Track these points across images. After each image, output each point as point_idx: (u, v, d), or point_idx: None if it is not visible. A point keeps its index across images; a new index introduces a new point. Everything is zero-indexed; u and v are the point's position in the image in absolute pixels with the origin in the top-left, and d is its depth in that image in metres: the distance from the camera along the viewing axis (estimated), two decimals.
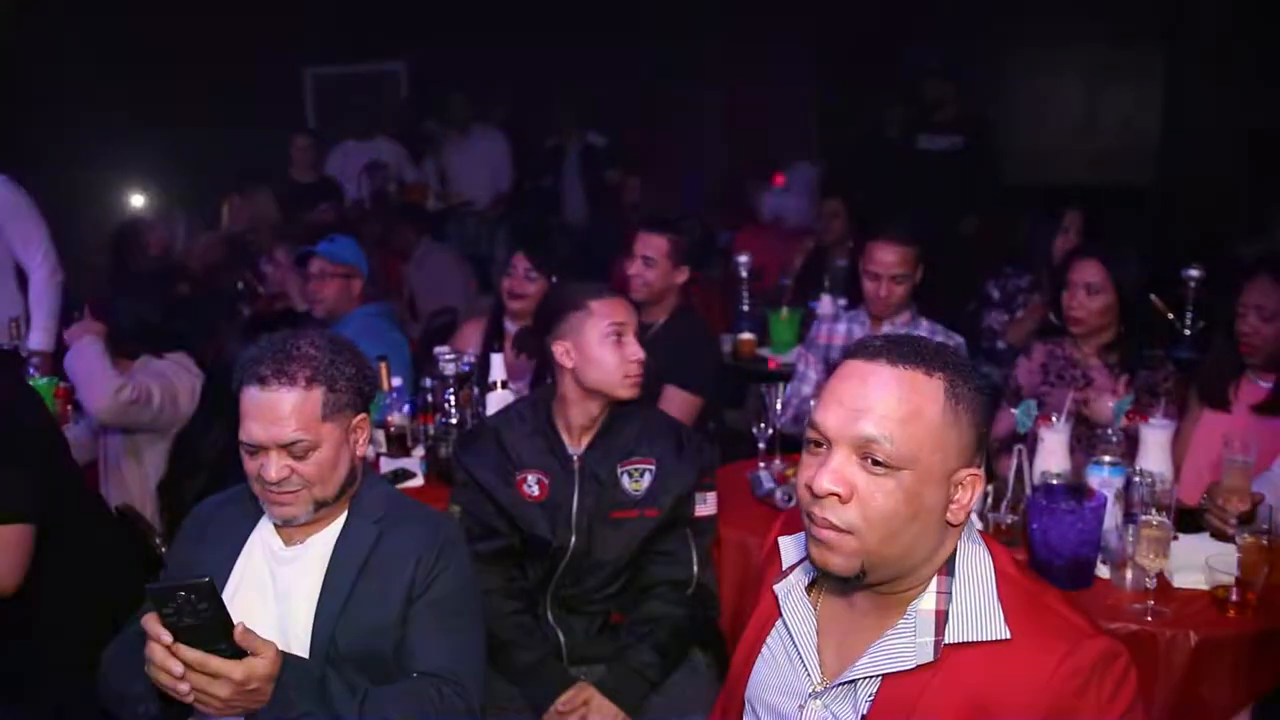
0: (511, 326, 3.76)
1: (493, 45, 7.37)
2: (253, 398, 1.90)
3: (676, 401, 3.42)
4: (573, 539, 2.50)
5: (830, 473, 1.36)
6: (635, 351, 2.50)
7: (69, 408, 3.77)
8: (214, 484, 2.59)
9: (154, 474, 3.18)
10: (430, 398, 3.35)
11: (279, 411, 1.88)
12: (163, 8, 7.09)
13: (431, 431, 3.26)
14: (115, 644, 2.00)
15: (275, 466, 1.89)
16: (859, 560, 1.36)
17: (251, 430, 1.89)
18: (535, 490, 2.53)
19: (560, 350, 2.50)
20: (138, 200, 6.88)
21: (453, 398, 3.23)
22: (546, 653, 2.49)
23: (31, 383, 3.67)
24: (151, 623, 1.68)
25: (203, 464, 2.77)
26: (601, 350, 2.47)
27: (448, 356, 3.29)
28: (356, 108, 7.70)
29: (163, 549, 2.63)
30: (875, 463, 1.35)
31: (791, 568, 1.58)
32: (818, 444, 1.40)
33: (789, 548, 1.64)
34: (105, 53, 7.05)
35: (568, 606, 2.56)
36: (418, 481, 3.12)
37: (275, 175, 6.70)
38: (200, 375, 3.36)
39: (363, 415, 2.00)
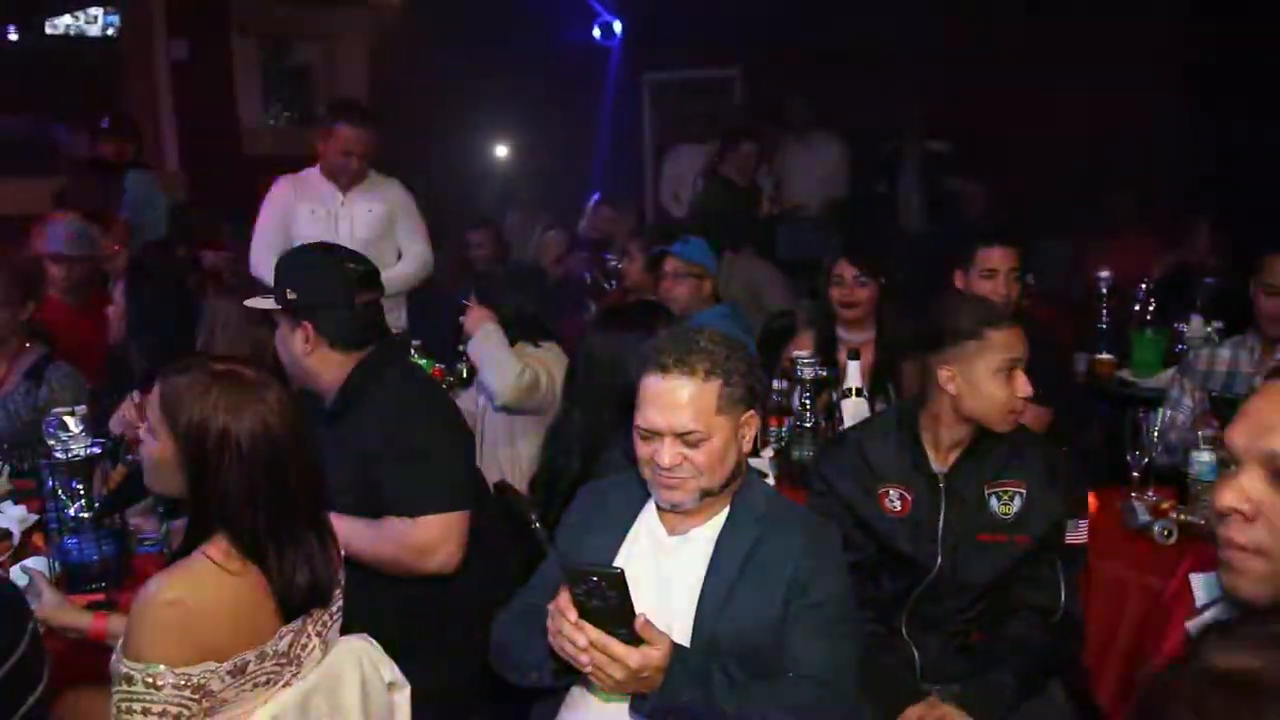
0: (847, 335, 3.69)
1: (829, 48, 7.32)
2: (653, 385, 1.98)
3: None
4: (938, 558, 2.44)
5: (1234, 489, 1.28)
6: (1024, 387, 2.37)
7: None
8: (585, 473, 2.71)
9: (526, 457, 3.39)
10: (779, 399, 3.39)
11: (678, 400, 1.95)
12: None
13: (783, 433, 3.29)
14: (507, 612, 2.15)
15: (669, 453, 1.95)
16: (1268, 586, 1.26)
17: (649, 416, 1.97)
18: (897, 505, 2.48)
19: (945, 375, 2.40)
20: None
21: (809, 401, 3.24)
22: (898, 664, 2.46)
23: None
24: (564, 597, 1.81)
25: (572, 451, 2.90)
26: (992, 384, 2.36)
27: (807, 359, 3.31)
28: (693, 114, 7.90)
29: (536, 524, 2.79)
30: None
31: (1206, 606, 1.49)
32: (1226, 463, 1.34)
33: (1201, 585, 1.55)
34: (451, 69, 7.69)
35: (925, 624, 2.50)
36: (768, 482, 3.15)
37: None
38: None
39: (751, 412, 2.04)
